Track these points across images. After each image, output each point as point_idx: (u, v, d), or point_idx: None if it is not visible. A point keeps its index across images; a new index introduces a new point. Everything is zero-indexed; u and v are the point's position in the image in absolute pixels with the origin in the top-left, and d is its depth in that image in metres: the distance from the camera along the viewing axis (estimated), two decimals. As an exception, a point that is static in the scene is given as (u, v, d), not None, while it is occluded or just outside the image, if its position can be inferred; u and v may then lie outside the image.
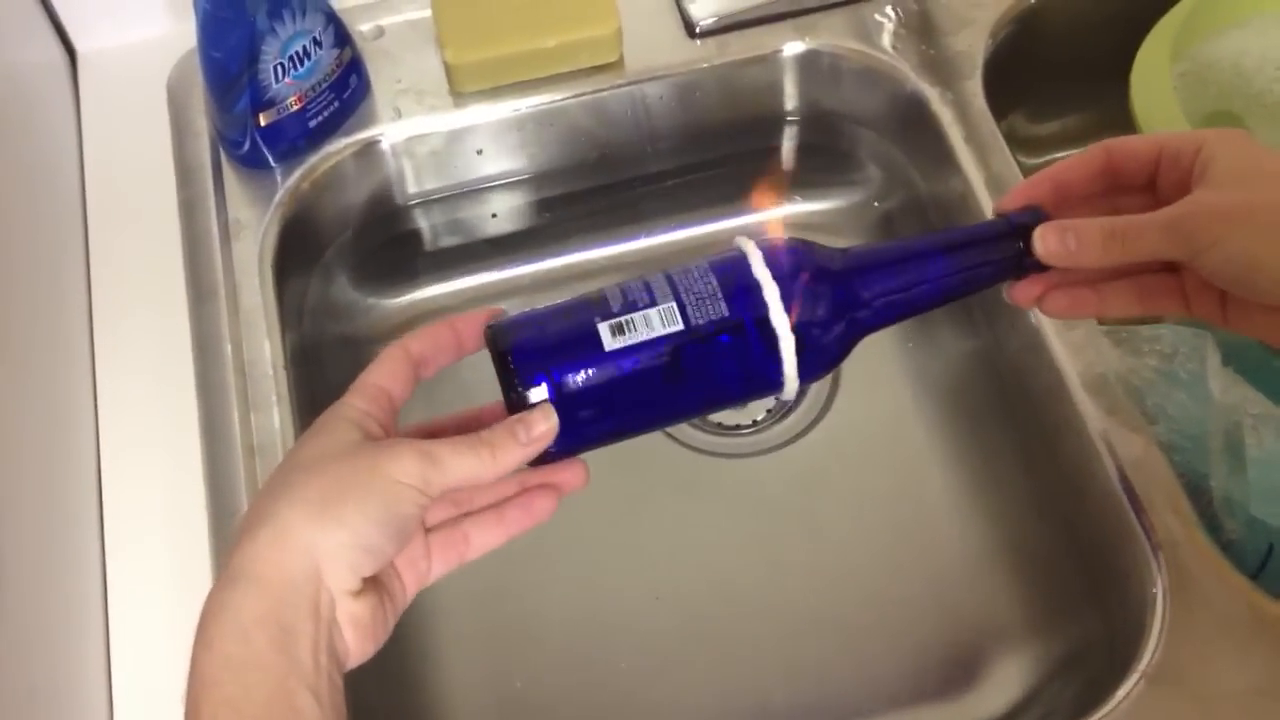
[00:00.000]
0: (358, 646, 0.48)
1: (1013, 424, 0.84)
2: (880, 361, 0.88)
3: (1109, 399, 0.74)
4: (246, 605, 0.46)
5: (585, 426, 0.51)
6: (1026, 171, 0.85)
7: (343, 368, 0.89)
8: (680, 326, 0.51)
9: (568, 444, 0.51)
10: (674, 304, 0.51)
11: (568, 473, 0.54)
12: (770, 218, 0.96)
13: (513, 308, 0.90)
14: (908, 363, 0.88)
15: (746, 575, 0.81)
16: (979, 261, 0.56)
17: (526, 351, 0.51)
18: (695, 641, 0.79)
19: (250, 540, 0.47)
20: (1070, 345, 0.76)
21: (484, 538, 0.53)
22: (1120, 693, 0.65)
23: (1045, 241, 0.54)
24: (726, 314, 0.51)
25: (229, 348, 0.78)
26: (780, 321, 0.51)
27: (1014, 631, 0.78)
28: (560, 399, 0.50)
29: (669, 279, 0.53)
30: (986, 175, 0.84)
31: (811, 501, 0.83)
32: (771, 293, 0.51)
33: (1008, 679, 0.76)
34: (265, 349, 0.79)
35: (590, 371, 0.50)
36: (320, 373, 0.86)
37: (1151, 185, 0.56)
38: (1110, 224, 0.54)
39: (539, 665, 0.78)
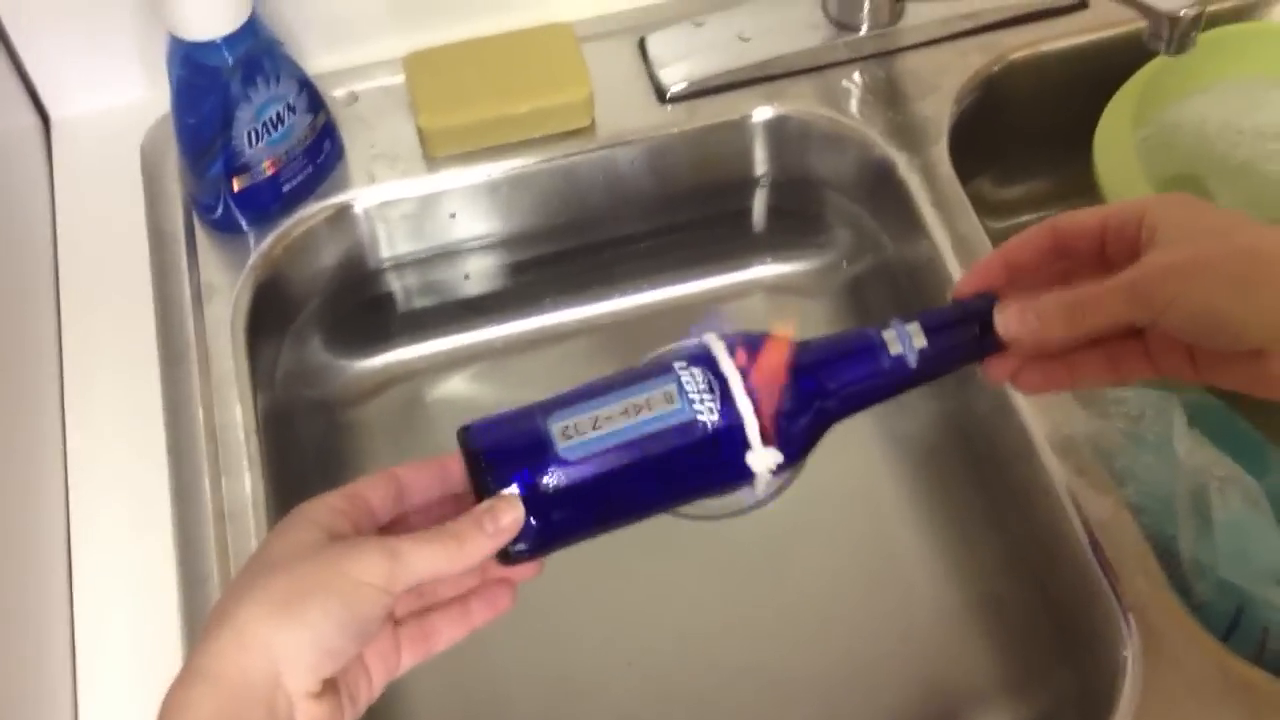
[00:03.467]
0: None
1: (982, 485, 0.84)
2: (851, 422, 0.87)
3: (1077, 460, 0.74)
4: (204, 705, 0.46)
5: (556, 526, 0.51)
6: (993, 234, 0.86)
7: (316, 431, 0.89)
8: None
9: (542, 542, 0.51)
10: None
11: (522, 567, 0.54)
12: (742, 280, 0.97)
13: (486, 369, 0.93)
14: (878, 424, 0.89)
15: (719, 637, 0.81)
16: (940, 349, 0.56)
17: (499, 452, 0.51)
18: (668, 704, 0.78)
19: (211, 639, 0.47)
20: (1038, 407, 0.76)
21: (450, 630, 0.53)
22: (1093, 755, 0.65)
23: (1007, 322, 0.55)
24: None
25: (200, 412, 0.78)
26: (749, 417, 0.52)
27: (986, 691, 0.78)
28: (535, 499, 0.50)
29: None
30: (953, 238, 0.85)
31: (784, 563, 0.83)
32: (739, 389, 0.52)
33: (981, 742, 0.76)
34: (237, 413, 0.79)
35: (561, 472, 0.50)
36: (293, 437, 0.86)
37: (1102, 257, 0.57)
38: (1069, 296, 0.54)
39: (508, 728, 0.78)
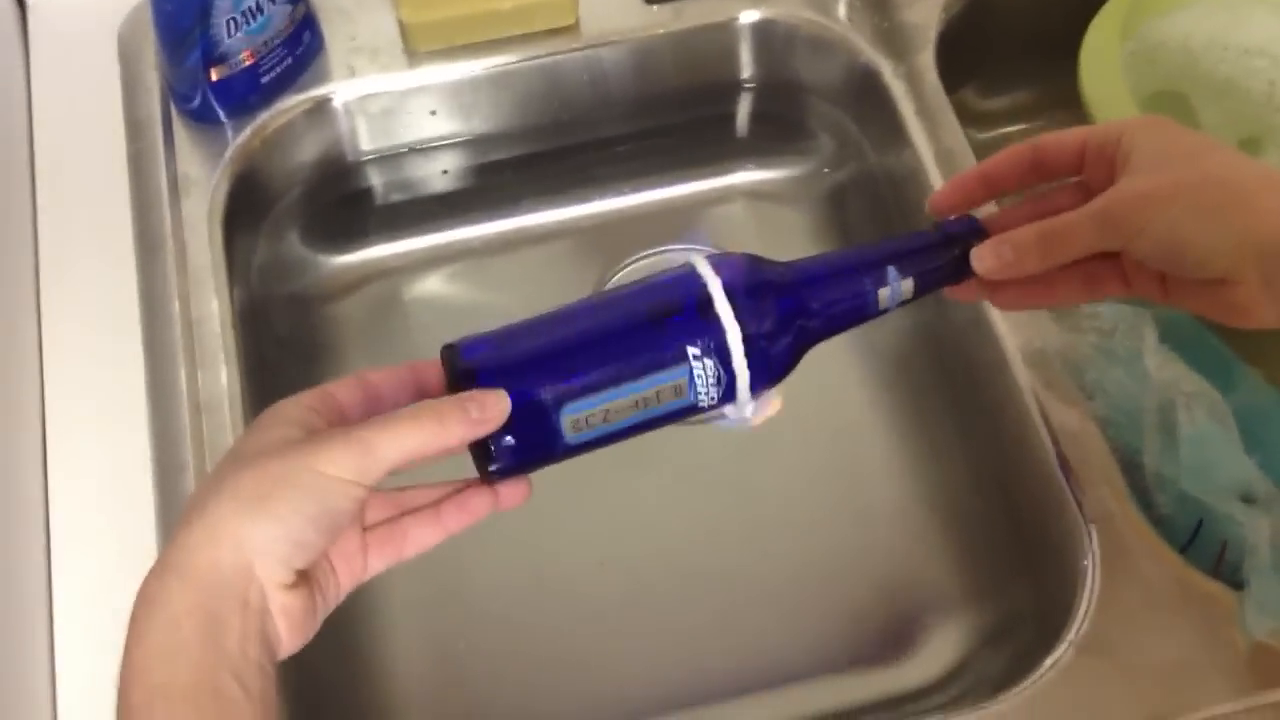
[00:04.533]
0: (289, 638, 0.49)
1: (953, 396, 0.85)
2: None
3: (1047, 373, 0.75)
4: (176, 596, 0.46)
5: (542, 442, 0.51)
6: (975, 145, 0.86)
7: (292, 325, 0.89)
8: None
9: (526, 458, 0.51)
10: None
11: (509, 490, 0.54)
12: (723, 185, 0.97)
13: (463, 269, 0.92)
14: (851, 335, 0.87)
15: (687, 543, 0.82)
16: (919, 271, 0.57)
17: (485, 373, 0.51)
18: (637, 606, 0.80)
19: (184, 533, 0.47)
20: (1011, 320, 0.77)
21: (421, 536, 0.53)
22: (1048, 661, 0.66)
23: (983, 261, 0.56)
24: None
25: (177, 304, 0.78)
26: (732, 333, 0.52)
27: (947, 600, 0.79)
28: (520, 413, 0.50)
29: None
30: (937, 149, 0.84)
31: (751, 470, 0.84)
32: (723, 305, 0.52)
33: (940, 646, 0.77)
34: (213, 306, 0.79)
35: (547, 387, 0.51)
36: (269, 330, 0.86)
37: (1078, 174, 0.58)
38: (1043, 227, 0.55)
39: (482, 628, 0.79)
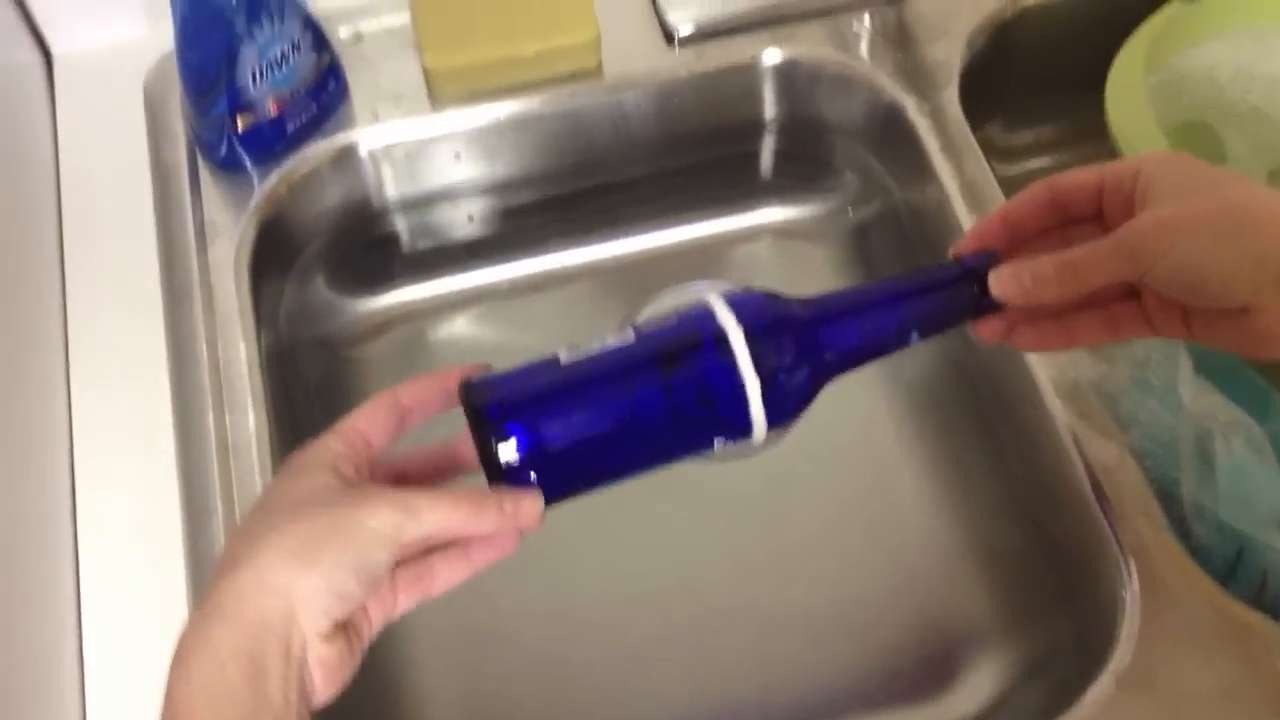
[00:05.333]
0: (324, 688, 0.50)
1: (985, 428, 0.84)
2: (855, 368, 0.88)
3: (1081, 405, 0.74)
4: (223, 640, 0.47)
5: (558, 481, 0.52)
6: (1001, 180, 0.85)
7: (318, 369, 0.89)
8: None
9: (546, 495, 0.52)
10: (631, 331, 0.53)
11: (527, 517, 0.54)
12: (748, 224, 0.97)
13: (489, 310, 0.92)
14: (881, 365, 0.87)
15: (718, 576, 0.81)
16: (937, 306, 0.57)
17: (502, 406, 0.51)
18: (667, 640, 0.79)
19: (229, 579, 0.48)
20: (1043, 353, 0.76)
21: (449, 573, 0.54)
22: (1089, 695, 0.65)
23: (1001, 284, 0.56)
24: (694, 367, 0.52)
25: (204, 349, 0.78)
26: (748, 371, 0.52)
27: (985, 633, 0.78)
28: (537, 450, 0.51)
29: (638, 332, 0.54)
30: (962, 184, 0.84)
31: (784, 503, 0.84)
32: (739, 342, 0.52)
33: (978, 680, 0.76)
34: (241, 350, 0.79)
35: (564, 424, 0.51)
36: (296, 375, 0.86)
37: (1099, 215, 0.58)
38: (1061, 257, 0.55)
39: (511, 662, 0.78)
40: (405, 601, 0.54)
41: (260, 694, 0.47)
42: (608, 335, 0.54)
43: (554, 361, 0.53)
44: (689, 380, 0.52)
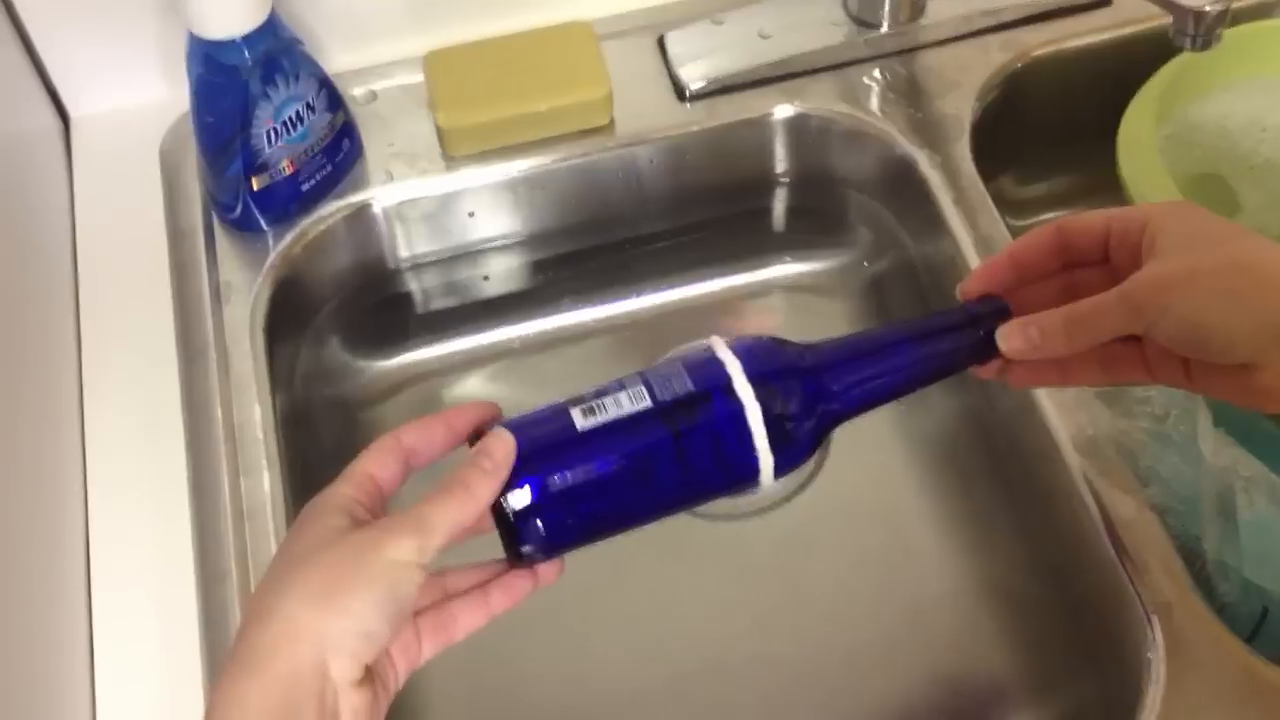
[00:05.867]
0: None
1: (1004, 485, 0.83)
2: (870, 421, 0.86)
3: (1101, 461, 0.74)
4: (254, 695, 0.46)
5: (568, 525, 0.52)
6: (1015, 232, 0.86)
7: (334, 430, 0.89)
8: (648, 404, 0.52)
9: (553, 542, 0.52)
10: (643, 388, 0.53)
11: (544, 569, 0.55)
12: (761, 279, 0.97)
13: (504, 369, 0.92)
14: (898, 422, 0.88)
15: (734, 637, 0.80)
16: (942, 352, 0.57)
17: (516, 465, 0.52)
18: (682, 703, 0.78)
19: (257, 632, 0.48)
20: (1062, 406, 0.76)
21: (469, 618, 0.54)
22: (1116, 758, 0.65)
23: (1009, 341, 0.56)
24: (701, 413, 0.52)
25: (219, 411, 0.78)
26: (754, 417, 0.53)
27: (1006, 694, 0.77)
28: (545, 498, 0.51)
29: (643, 376, 0.54)
30: (975, 237, 0.84)
31: (800, 563, 0.83)
32: (744, 389, 0.53)
33: (1002, 744, 0.76)
34: (255, 412, 0.79)
35: (571, 471, 0.51)
36: (311, 436, 0.86)
37: (1105, 259, 0.58)
38: (1069, 312, 0.55)
39: (526, 722, 0.78)
40: (429, 649, 0.53)
41: None
42: (614, 382, 0.54)
43: (560, 410, 0.53)
44: (696, 430, 0.52)
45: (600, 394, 0.53)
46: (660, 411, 0.52)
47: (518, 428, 0.53)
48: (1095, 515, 0.72)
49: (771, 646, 0.80)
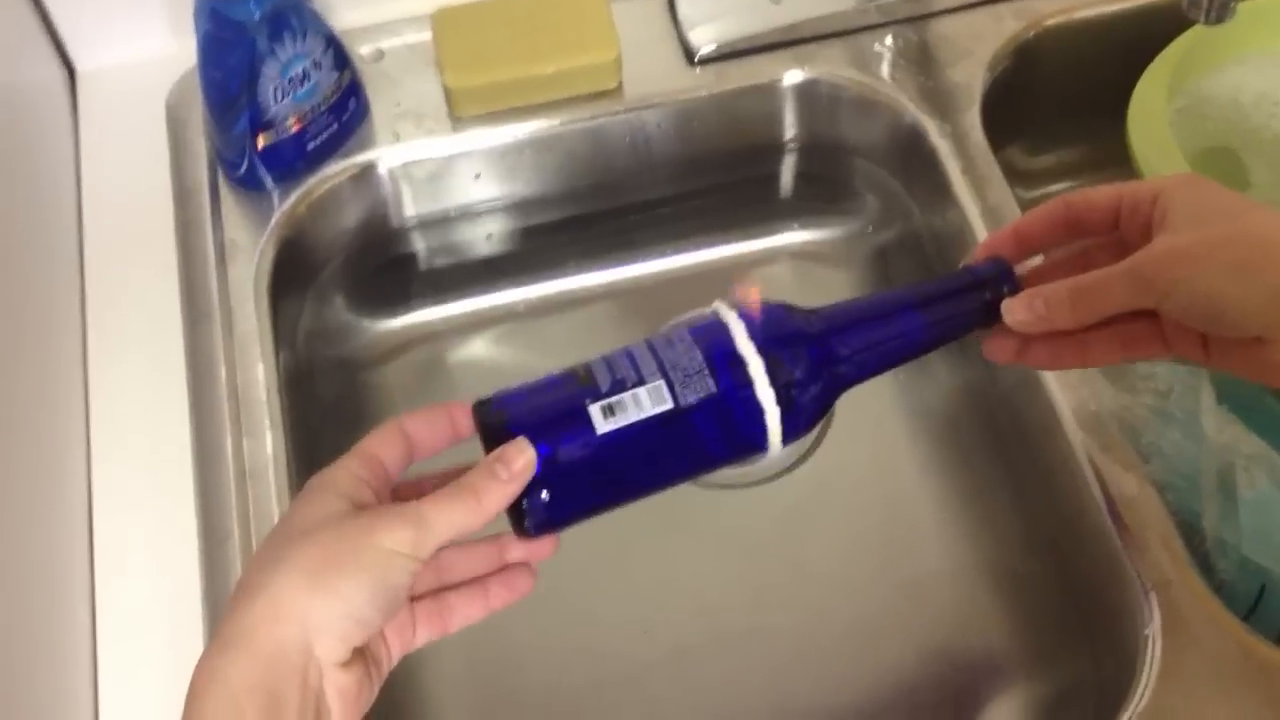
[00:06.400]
0: (341, 715, 0.49)
1: (1005, 460, 0.83)
2: (872, 396, 0.88)
3: (1103, 436, 0.74)
4: (237, 673, 0.46)
5: (574, 500, 0.52)
6: (1023, 204, 0.85)
7: (337, 391, 0.89)
8: (669, 406, 0.52)
9: (557, 517, 0.52)
10: (662, 383, 0.52)
11: (540, 545, 0.55)
12: (768, 246, 0.96)
13: (508, 331, 0.92)
14: (900, 398, 0.88)
15: (735, 609, 0.81)
16: (947, 315, 0.57)
17: (517, 428, 0.51)
18: (683, 675, 0.78)
19: (243, 609, 0.47)
20: (1065, 382, 0.76)
21: (467, 610, 0.54)
22: (1111, 734, 0.65)
23: (1014, 313, 0.56)
24: (713, 390, 0.52)
25: (223, 371, 0.78)
26: (764, 392, 0.52)
27: (1004, 669, 0.78)
28: (550, 472, 0.51)
29: (654, 354, 0.53)
30: (983, 207, 0.84)
31: (801, 536, 0.83)
32: (755, 364, 0.52)
33: (998, 716, 0.76)
34: (259, 372, 0.79)
35: (579, 445, 0.51)
36: (314, 396, 0.86)
37: (1115, 233, 0.57)
38: (1075, 283, 0.55)
39: (528, 698, 0.78)
40: (424, 635, 0.53)
41: None
42: (623, 356, 0.53)
43: (566, 378, 0.53)
44: (705, 401, 0.52)
45: (610, 371, 0.52)
46: (671, 388, 0.52)
47: (523, 397, 0.52)
48: (1096, 491, 0.72)
49: (771, 619, 0.80)
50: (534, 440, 0.50)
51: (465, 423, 0.54)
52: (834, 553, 0.83)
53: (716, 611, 0.80)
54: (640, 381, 0.52)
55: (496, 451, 0.50)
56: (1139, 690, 0.66)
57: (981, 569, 0.81)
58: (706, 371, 0.52)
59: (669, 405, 0.51)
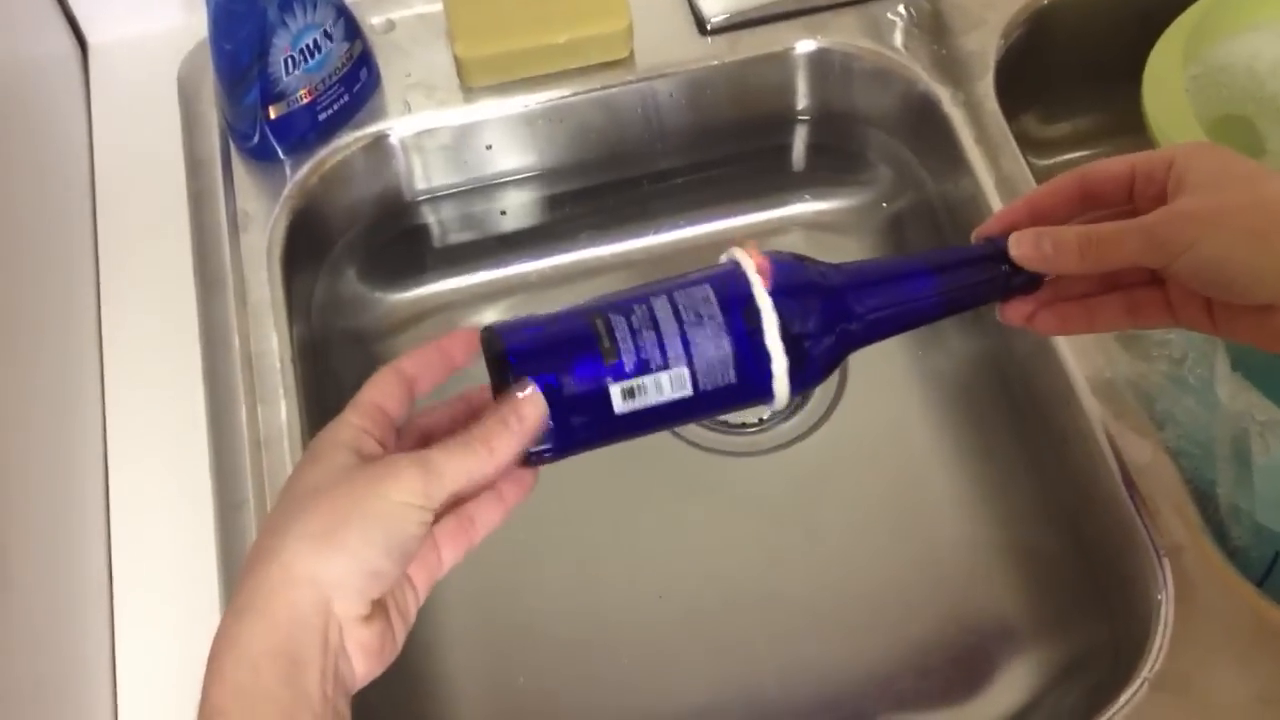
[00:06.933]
0: (365, 669, 0.49)
1: (1019, 427, 0.83)
2: (887, 362, 0.88)
3: (1117, 403, 0.73)
4: (256, 638, 0.46)
5: (579, 446, 0.52)
6: (1037, 173, 0.85)
7: (350, 362, 0.89)
8: (689, 394, 0.52)
9: (563, 446, 0.52)
10: (686, 372, 0.52)
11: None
12: (780, 216, 0.96)
13: (520, 303, 0.92)
14: (914, 364, 0.88)
15: (748, 574, 0.81)
16: (965, 282, 0.57)
17: (524, 354, 0.51)
18: (696, 639, 0.79)
19: (257, 575, 0.47)
20: (1079, 349, 0.75)
21: (487, 516, 0.53)
22: (1123, 699, 0.65)
23: (1022, 245, 0.55)
24: (733, 380, 0.52)
25: (236, 340, 0.79)
26: (774, 342, 0.52)
27: (1017, 635, 0.78)
28: (558, 401, 0.50)
29: (679, 323, 0.52)
30: (997, 177, 0.83)
31: (814, 501, 0.83)
32: (769, 313, 0.52)
33: (1011, 683, 0.76)
34: (273, 342, 0.79)
35: (595, 415, 0.51)
36: (327, 367, 0.86)
37: (1130, 204, 0.57)
38: (1086, 230, 0.55)
39: (541, 661, 0.78)
40: (450, 557, 0.52)
41: (297, 691, 0.46)
42: (641, 296, 0.53)
43: (585, 334, 0.52)
44: (723, 386, 0.52)
45: (634, 341, 0.51)
46: (694, 377, 0.51)
47: (529, 325, 0.52)
48: (1110, 457, 0.72)
49: (785, 585, 0.80)
50: (549, 398, 0.50)
51: (460, 355, 0.54)
52: (847, 519, 0.83)
53: (729, 577, 0.81)
54: (665, 366, 0.51)
55: (510, 403, 0.50)
56: (1152, 656, 0.66)
57: (995, 535, 0.81)
58: (731, 361, 0.52)
59: (689, 393, 0.52)
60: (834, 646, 0.78)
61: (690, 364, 0.52)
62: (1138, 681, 0.65)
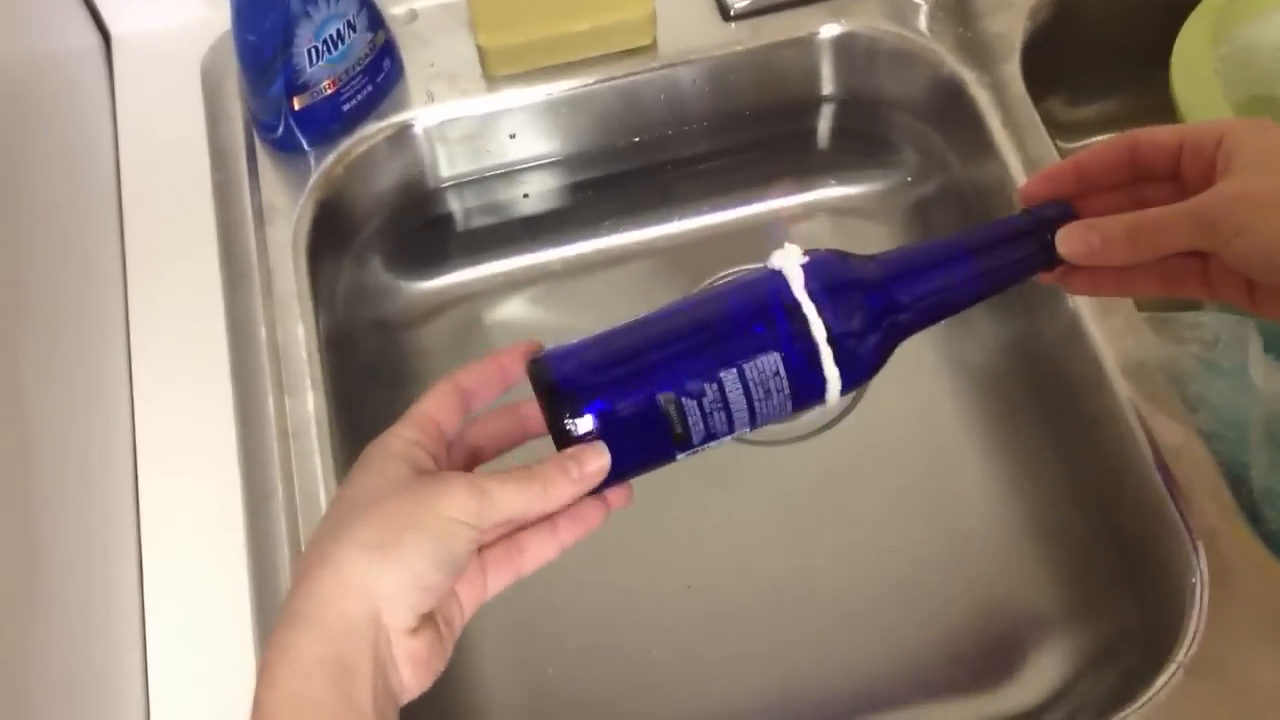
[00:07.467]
0: (414, 681, 0.49)
1: (1050, 412, 0.83)
2: (916, 348, 0.86)
3: (1149, 386, 0.73)
4: (307, 646, 0.47)
5: (633, 457, 0.52)
6: (1064, 155, 0.84)
7: (375, 351, 0.89)
8: (746, 430, 0.53)
9: (617, 473, 0.52)
10: (748, 424, 0.53)
11: (615, 493, 0.55)
12: (806, 202, 0.96)
13: (546, 291, 0.92)
14: (944, 350, 0.87)
15: (778, 564, 0.81)
16: (1008, 260, 0.56)
17: (574, 383, 0.51)
18: (726, 630, 0.78)
19: (310, 582, 0.48)
20: (1110, 332, 0.75)
21: (539, 550, 0.54)
22: (1157, 684, 0.65)
23: (1069, 243, 0.55)
24: (790, 405, 0.53)
25: (263, 331, 0.79)
26: (820, 338, 0.52)
27: (1049, 621, 0.77)
28: (608, 431, 0.51)
29: (742, 380, 0.52)
30: (1024, 159, 0.83)
31: (844, 490, 0.83)
32: (816, 323, 0.52)
33: (1043, 669, 0.75)
34: (299, 333, 0.79)
35: (654, 460, 0.52)
36: (354, 356, 0.86)
37: (1176, 175, 0.56)
38: (1134, 220, 0.54)
39: (571, 653, 0.78)
40: (496, 583, 0.53)
41: (347, 699, 0.46)
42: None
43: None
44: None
45: (705, 422, 0.52)
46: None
47: (578, 352, 0.52)
48: (1142, 442, 0.72)
49: (814, 575, 0.80)
50: (591, 393, 0.51)
51: (516, 370, 0.54)
52: (877, 508, 0.82)
53: (758, 566, 0.80)
54: (730, 431, 0.53)
55: (573, 451, 0.51)
56: (1186, 640, 0.66)
57: (1027, 521, 0.81)
58: (789, 406, 0.53)
59: (746, 430, 0.53)
60: (864, 635, 0.78)
61: (753, 424, 0.53)
62: (1172, 667, 0.65)
